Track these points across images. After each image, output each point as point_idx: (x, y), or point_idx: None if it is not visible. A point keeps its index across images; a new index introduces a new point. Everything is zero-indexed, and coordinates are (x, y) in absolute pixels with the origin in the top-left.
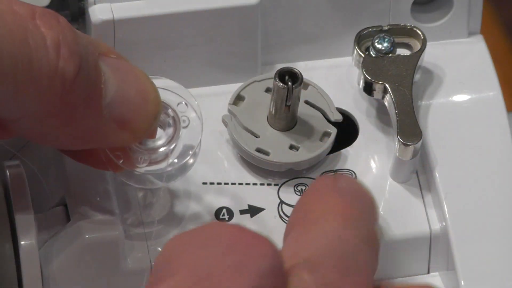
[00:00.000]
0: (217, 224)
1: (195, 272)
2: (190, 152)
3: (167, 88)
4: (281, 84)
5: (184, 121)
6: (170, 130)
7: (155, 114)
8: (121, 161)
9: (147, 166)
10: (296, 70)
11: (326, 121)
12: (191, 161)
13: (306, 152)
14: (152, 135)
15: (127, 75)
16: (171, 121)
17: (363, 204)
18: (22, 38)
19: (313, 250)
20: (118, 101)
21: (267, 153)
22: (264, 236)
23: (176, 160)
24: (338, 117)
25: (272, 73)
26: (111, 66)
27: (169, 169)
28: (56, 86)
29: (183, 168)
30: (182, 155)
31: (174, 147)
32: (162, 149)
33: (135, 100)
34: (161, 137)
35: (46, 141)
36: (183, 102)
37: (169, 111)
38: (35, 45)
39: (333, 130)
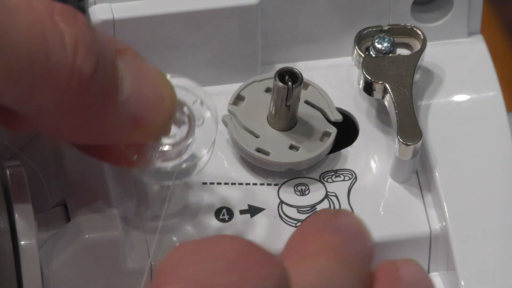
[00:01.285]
0: (226, 237)
1: (194, 286)
2: (204, 150)
3: (183, 86)
4: (281, 84)
5: (199, 119)
6: (184, 128)
7: (171, 113)
8: (135, 156)
9: (160, 162)
10: (296, 70)
11: (326, 121)
12: (204, 158)
13: (306, 152)
14: (167, 132)
15: (144, 73)
16: (186, 119)
17: (359, 244)
18: (40, 35)
19: (303, 285)
20: (134, 99)
21: (267, 153)
22: (275, 257)
23: (189, 158)
24: (338, 117)
25: (272, 73)
26: (128, 64)
27: (183, 166)
28: (73, 84)
29: (197, 166)
30: (196, 152)
31: (188, 145)
32: (176, 146)
33: (150, 98)
34: (175, 134)
35: (60, 136)
36: (198, 101)
37: (185, 109)
38: (53, 42)
39: (333, 130)
